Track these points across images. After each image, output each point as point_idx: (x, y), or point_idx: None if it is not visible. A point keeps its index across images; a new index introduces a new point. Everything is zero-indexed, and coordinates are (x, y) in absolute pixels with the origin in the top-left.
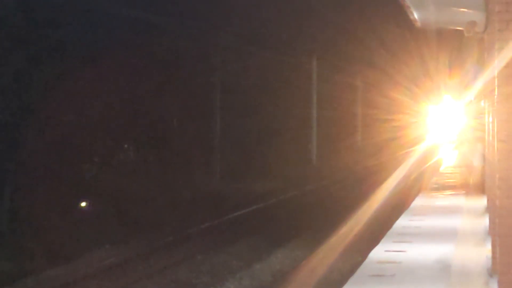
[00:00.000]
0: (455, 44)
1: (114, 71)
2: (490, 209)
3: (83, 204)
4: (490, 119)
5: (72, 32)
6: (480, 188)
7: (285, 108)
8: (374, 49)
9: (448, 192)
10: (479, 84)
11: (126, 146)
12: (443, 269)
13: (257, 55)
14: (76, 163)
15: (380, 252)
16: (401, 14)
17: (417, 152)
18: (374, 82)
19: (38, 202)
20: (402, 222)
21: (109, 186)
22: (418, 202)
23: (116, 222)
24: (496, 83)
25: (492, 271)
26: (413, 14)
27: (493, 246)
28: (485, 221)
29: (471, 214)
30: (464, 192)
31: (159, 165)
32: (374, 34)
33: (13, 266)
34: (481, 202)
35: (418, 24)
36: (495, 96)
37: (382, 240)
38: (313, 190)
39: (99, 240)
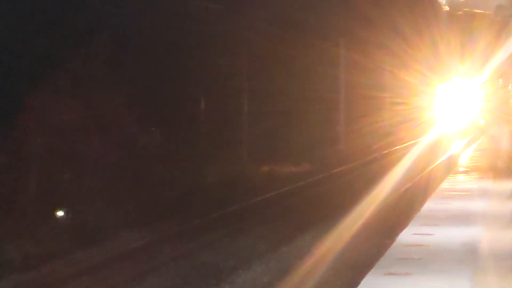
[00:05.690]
0: (468, 26)
1: (141, 54)
2: None
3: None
4: None
5: (98, 14)
6: (508, 172)
7: (313, 91)
8: (399, 34)
9: (476, 175)
10: (493, 66)
11: (153, 129)
12: (470, 251)
13: (284, 39)
14: (101, 145)
15: (408, 235)
16: None
17: (440, 133)
18: (396, 66)
19: (64, 183)
20: (429, 205)
21: (135, 169)
22: (446, 185)
23: (143, 206)
24: None
25: None
26: None
27: None
28: None
29: (498, 198)
30: (491, 175)
31: (186, 148)
32: (402, 21)
33: (40, 248)
34: (509, 185)
35: (447, 7)
36: None
37: (411, 223)
38: (342, 172)
39: (126, 223)
